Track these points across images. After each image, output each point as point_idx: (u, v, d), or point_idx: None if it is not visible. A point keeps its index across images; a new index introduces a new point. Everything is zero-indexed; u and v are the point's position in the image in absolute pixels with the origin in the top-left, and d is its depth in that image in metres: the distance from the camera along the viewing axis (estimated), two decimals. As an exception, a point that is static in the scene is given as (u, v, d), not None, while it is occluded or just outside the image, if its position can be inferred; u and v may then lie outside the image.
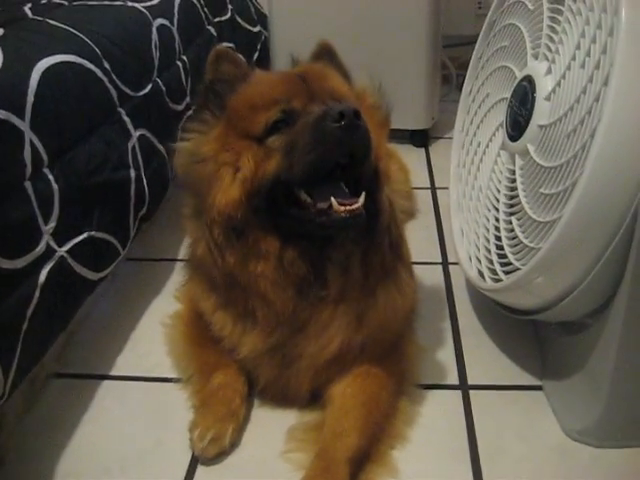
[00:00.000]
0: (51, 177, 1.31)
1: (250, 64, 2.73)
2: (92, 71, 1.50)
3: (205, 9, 2.37)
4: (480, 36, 1.68)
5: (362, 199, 1.16)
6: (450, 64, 3.10)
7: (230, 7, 2.64)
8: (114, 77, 1.60)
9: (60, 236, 1.32)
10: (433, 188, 2.39)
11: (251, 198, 1.19)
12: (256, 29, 2.86)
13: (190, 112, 2.05)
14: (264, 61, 2.85)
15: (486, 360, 1.55)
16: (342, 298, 1.27)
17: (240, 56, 1.31)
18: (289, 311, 1.26)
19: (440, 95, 2.82)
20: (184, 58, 2.09)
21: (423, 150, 2.72)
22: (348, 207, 1.13)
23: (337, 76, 1.31)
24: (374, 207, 1.25)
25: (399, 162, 2.15)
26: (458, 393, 1.46)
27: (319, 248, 1.23)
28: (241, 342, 1.34)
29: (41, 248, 1.26)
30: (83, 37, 1.53)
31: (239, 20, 2.72)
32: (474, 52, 1.71)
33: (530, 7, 1.43)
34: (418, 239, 1.87)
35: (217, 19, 2.51)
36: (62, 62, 1.39)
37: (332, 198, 1.14)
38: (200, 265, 1.34)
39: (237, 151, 1.21)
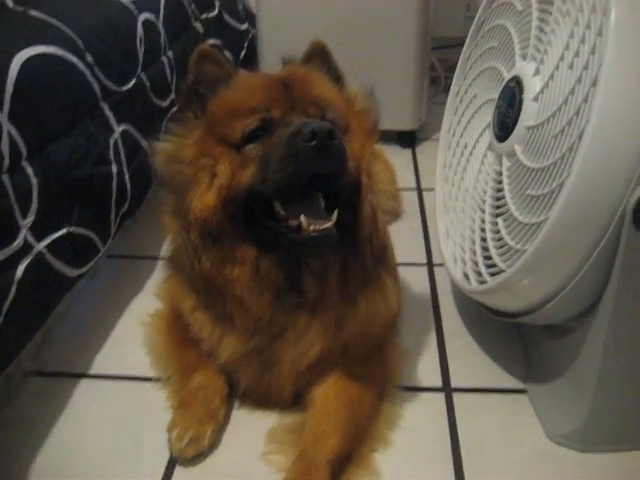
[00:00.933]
0: (30, 171, 1.28)
1: (237, 62, 2.71)
2: (74, 64, 1.48)
3: (192, 5, 2.35)
4: (468, 37, 1.67)
5: (334, 217, 1.14)
6: (438, 66, 3.09)
7: (217, 4, 2.62)
8: (97, 71, 1.58)
9: (39, 231, 1.30)
10: (419, 189, 2.38)
11: (227, 205, 1.17)
12: (243, 27, 2.85)
13: (174, 109, 2.03)
14: (251, 59, 2.83)
15: (470, 363, 1.54)
16: (319, 305, 1.26)
17: (224, 56, 1.28)
18: (266, 317, 1.24)
19: (428, 97, 2.82)
20: (169, 54, 2.07)
21: (410, 151, 2.71)
22: (317, 227, 1.11)
23: (323, 81, 1.28)
24: (354, 219, 1.23)
25: (385, 162, 2.13)
26: (441, 396, 1.45)
27: (296, 257, 1.22)
28: (220, 345, 1.32)
29: (18, 243, 1.23)
30: (65, 29, 1.50)
31: (226, 17, 2.70)
32: (462, 53, 1.70)
33: (519, 8, 1.41)
34: (403, 240, 1.85)
35: (204, 15, 2.49)
36: (43, 53, 1.36)
37: (302, 216, 1.12)
38: (181, 266, 1.32)
39: (215, 157, 1.19)
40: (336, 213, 1.16)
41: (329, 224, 1.13)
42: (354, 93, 1.33)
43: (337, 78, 1.33)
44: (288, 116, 1.17)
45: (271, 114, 1.18)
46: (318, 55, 1.33)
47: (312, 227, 1.11)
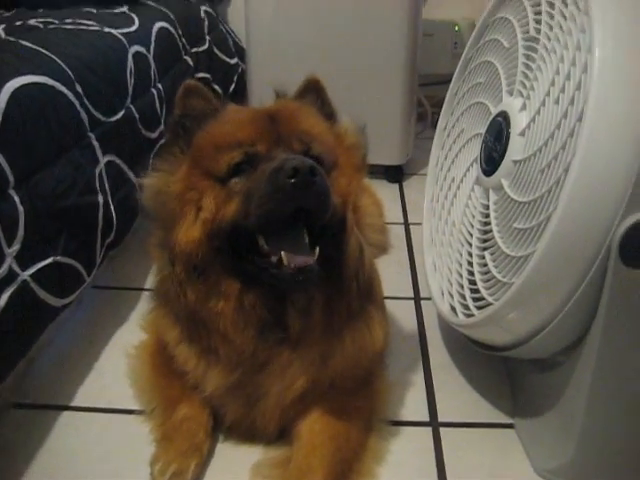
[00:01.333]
0: (17, 199, 1.27)
1: (226, 96, 2.74)
2: (64, 94, 1.48)
3: (183, 39, 2.38)
4: (456, 72, 1.69)
5: (316, 254, 1.14)
6: (426, 102, 3.13)
7: (208, 38, 2.66)
8: (86, 101, 1.58)
9: (24, 260, 1.29)
10: (406, 223, 2.39)
11: (212, 239, 1.17)
12: (233, 61, 2.88)
13: (162, 142, 2.04)
14: (241, 93, 2.86)
15: (457, 397, 1.53)
16: (302, 340, 1.25)
17: (211, 91, 1.28)
18: (250, 350, 1.23)
19: (415, 132, 2.85)
20: (159, 86, 2.08)
21: (397, 186, 2.72)
22: (298, 263, 1.11)
23: (311, 115, 1.28)
24: (340, 255, 1.23)
25: (372, 196, 2.15)
26: (428, 430, 1.43)
27: (280, 292, 1.21)
28: (204, 379, 1.31)
29: (3, 271, 1.22)
30: (56, 59, 1.51)
31: (216, 51, 2.73)
32: (450, 89, 1.72)
33: (505, 45, 1.44)
34: (390, 274, 1.85)
35: (194, 49, 2.52)
36: (33, 83, 1.37)
37: (282, 253, 1.12)
38: (166, 298, 1.31)
39: (200, 190, 1.18)
40: (318, 249, 1.15)
41: (310, 260, 1.12)
42: (345, 128, 1.33)
43: (330, 114, 1.33)
44: (273, 150, 1.17)
45: (256, 148, 1.18)
46: (312, 90, 1.33)
47: (292, 264, 1.11)
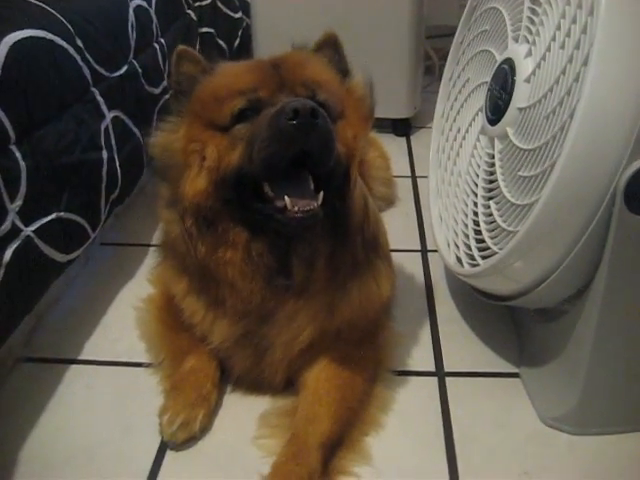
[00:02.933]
0: (18, 155, 1.27)
1: (231, 50, 2.70)
2: (64, 48, 1.46)
3: (185, -8, 2.34)
4: (461, 21, 1.66)
5: (320, 199, 1.13)
6: (433, 54, 3.09)
7: (211, -9, 2.61)
8: (87, 56, 1.56)
9: (27, 215, 1.29)
10: (414, 176, 2.38)
11: (218, 188, 1.17)
12: (237, 15, 2.83)
13: (166, 97, 2.03)
14: (245, 48, 2.82)
15: (463, 347, 1.54)
16: (307, 290, 1.25)
17: (199, 55, 1.28)
18: (257, 300, 1.24)
19: (423, 85, 2.82)
20: (162, 41, 2.06)
21: (404, 139, 2.70)
22: (301, 207, 1.11)
23: (318, 63, 1.27)
24: (344, 207, 1.23)
25: (380, 149, 2.14)
26: (434, 380, 1.44)
27: (286, 241, 1.21)
28: (212, 330, 1.32)
29: (6, 226, 1.22)
30: (55, 13, 1.49)
31: (220, 5, 2.69)
32: (455, 38, 1.69)
33: (512, -10, 1.41)
34: (397, 226, 1.86)
35: (197, 3, 2.48)
36: (32, 37, 1.35)
37: (286, 197, 1.11)
38: (174, 251, 1.32)
39: (203, 141, 1.18)
40: (322, 194, 1.14)
41: (314, 205, 1.11)
42: (355, 83, 1.31)
43: (344, 71, 1.31)
44: (276, 96, 1.16)
45: (258, 94, 1.17)
46: (329, 45, 1.31)
47: (296, 207, 1.11)
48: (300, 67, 1.22)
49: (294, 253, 1.22)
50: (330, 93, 1.22)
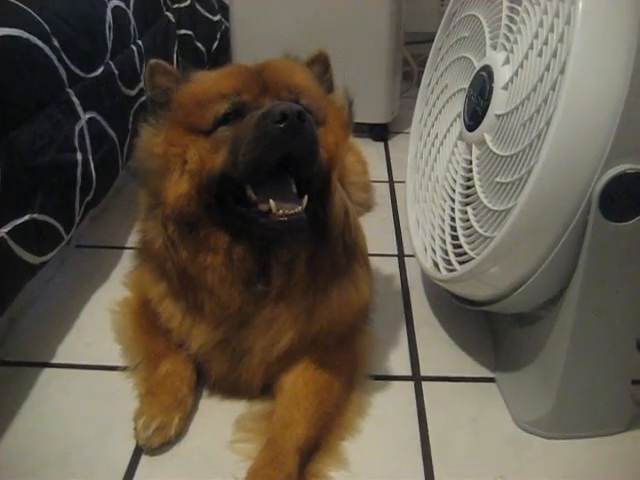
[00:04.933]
0: (-8, 155, 1.25)
1: (209, 53, 2.69)
2: (40, 47, 1.44)
3: (164, -6, 2.32)
4: (440, 27, 1.67)
5: (304, 203, 1.14)
6: (412, 60, 3.10)
7: (190, -6, 2.59)
8: (63, 56, 1.54)
9: (1, 217, 1.27)
10: (391, 181, 2.39)
11: (201, 192, 1.16)
12: (216, 18, 2.82)
13: (142, 99, 2.01)
14: (224, 51, 2.81)
15: (439, 352, 1.54)
16: (286, 295, 1.26)
17: (171, 67, 1.29)
18: (235, 306, 1.24)
19: (401, 91, 2.83)
20: (139, 42, 2.04)
21: (382, 144, 2.71)
22: (286, 211, 1.11)
23: (301, 71, 1.28)
24: (324, 214, 1.23)
25: (357, 154, 2.15)
26: (410, 384, 1.44)
27: (267, 246, 1.21)
28: (190, 336, 1.32)
29: (-20, 228, 1.21)
30: (31, 12, 1.47)
31: (199, 8, 2.67)
32: (434, 43, 1.70)
33: (490, -2, 1.42)
34: (375, 231, 1.85)
35: (176, 5, 2.47)
36: (7, 36, 1.33)
37: (271, 201, 1.11)
38: (152, 256, 1.31)
39: (184, 145, 1.18)
40: (306, 198, 1.15)
41: (298, 208, 1.12)
42: (335, 94, 1.33)
43: (330, 88, 1.33)
44: (260, 100, 1.16)
45: (242, 98, 1.17)
46: (320, 62, 1.33)
47: (281, 211, 1.11)
48: (283, 72, 1.23)
49: (274, 258, 1.22)
50: (313, 99, 1.22)
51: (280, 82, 1.20)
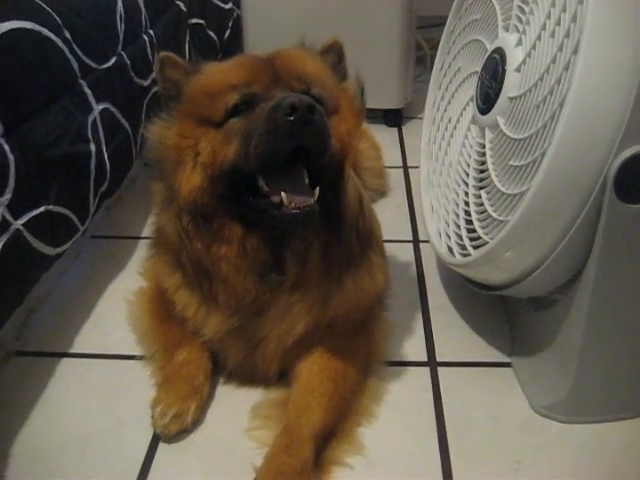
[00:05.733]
0: (7, 147, 1.25)
1: (221, 42, 2.69)
2: (51, 40, 1.44)
3: (174, -17, 2.32)
4: (452, 10, 1.66)
5: (316, 194, 1.14)
6: (425, 45, 3.07)
7: (201, -18, 2.58)
8: (75, 47, 1.54)
9: (16, 208, 1.27)
10: (405, 167, 2.37)
11: (214, 183, 1.16)
12: (228, 6, 2.81)
13: (155, 90, 2.01)
14: (236, 40, 2.80)
15: (455, 337, 1.54)
16: (301, 284, 1.26)
17: (181, 59, 1.28)
18: (250, 296, 1.24)
19: (414, 75, 2.81)
20: (151, 32, 2.04)
21: (396, 130, 2.70)
22: (298, 203, 1.11)
23: (314, 59, 1.26)
24: (337, 203, 1.23)
25: (371, 140, 2.14)
26: (426, 370, 1.44)
27: (280, 237, 1.22)
28: (204, 324, 1.32)
29: (-4, 220, 1.22)
30: (42, 4, 1.47)
31: (210, -4, 2.66)
32: (446, 27, 1.69)
33: (501, -21, 1.40)
34: (389, 217, 1.85)
35: (187, -6, 2.46)
36: (18, 28, 1.33)
37: (282, 193, 1.11)
38: (167, 246, 1.32)
39: (196, 137, 1.18)
40: (318, 190, 1.15)
41: (310, 200, 1.12)
42: (348, 81, 1.32)
43: (343, 76, 1.32)
44: (271, 91, 1.15)
45: (252, 89, 1.16)
46: (334, 51, 1.32)
47: (293, 203, 1.11)
48: (294, 62, 1.22)
49: (288, 248, 1.22)
50: (325, 88, 1.22)
51: (291, 72, 1.19)
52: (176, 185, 1.19)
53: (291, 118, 1.05)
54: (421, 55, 3.08)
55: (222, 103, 1.16)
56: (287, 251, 1.22)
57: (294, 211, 1.11)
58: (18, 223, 1.28)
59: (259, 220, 1.18)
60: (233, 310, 1.28)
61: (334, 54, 1.32)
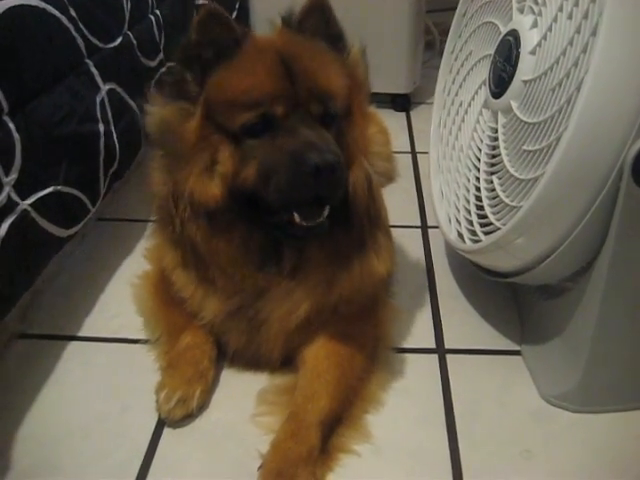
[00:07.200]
0: (12, 126, 1.24)
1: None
2: (57, 17, 1.42)
3: (181, -38, 2.29)
4: (464, -8, 1.63)
5: (326, 212, 1.16)
6: (434, 29, 3.04)
7: (208, -38, 2.55)
8: (81, 26, 1.52)
9: (23, 188, 1.26)
10: (413, 152, 2.35)
11: (232, 197, 1.16)
12: (235, -13, 2.78)
13: (163, 70, 1.99)
14: (244, 20, 2.77)
15: (464, 324, 1.52)
16: (300, 270, 1.26)
17: (232, 19, 1.15)
18: (248, 284, 1.25)
19: (423, 60, 2.79)
20: (157, 12, 2.02)
21: (404, 115, 2.68)
22: (309, 223, 1.14)
23: (328, 65, 1.19)
24: (345, 196, 1.21)
25: (379, 124, 2.11)
26: (435, 357, 1.43)
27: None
28: (202, 306, 1.32)
29: (1, 200, 1.20)
30: (47, -20, 1.45)
31: (217, -23, 2.63)
32: (457, 10, 1.66)
33: (517, -41, 1.37)
34: (398, 203, 1.83)
35: (194, -26, 2.43)
36: (22, 5, 1.30)
37: (295, 214, 1.13)
38: (165, 223, 1.30)
39: (214, 143, 1.14)
40: (328, 209, 1.16)
41: (321, 219, 1.15)
42: (356, 60, 1.27)
43: (338, 36, 1.25)
44: (291, 115, 1.12)
45: (273, 111, 1.12)
46: (317, 12, 1.22)
47: (305, 223, 1.14)
48: (313, 77, 1.15)
49: (286, 245, 1.24)
50: (340, 96, 1.18)
51: (311, 92, 1.14)
52: (182, 178, 1.16)
53: (314, 177, 1.07)
54: (430, 40, 3.04)
55: (241, 117, 1.11)
56: (286, 247, 1.24)
57: (305, 226, 1.14)
58: (25, 203, 1.27)
59: (266, 226, 1.19)
60: (232, 293, 1.28)
61: (317, 15, 1.21)
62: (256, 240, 1.21)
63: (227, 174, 1.14)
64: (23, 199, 1.27)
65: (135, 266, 1.65)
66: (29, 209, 1.28)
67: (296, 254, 1.24)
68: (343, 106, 1.20)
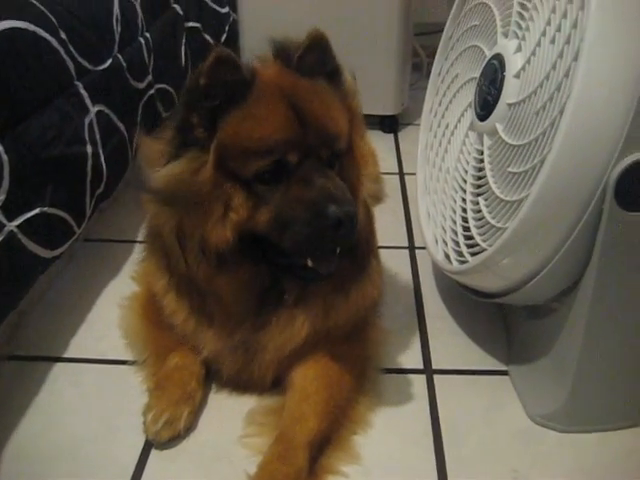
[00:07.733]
0: (1, 148, 1.24)
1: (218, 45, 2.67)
2: (47, 40, 1.43)
3: (171, -14, 2.31)
4: (450, 15, 1.65)
5: (337, 253, 1.17)
6: (421, 51, 3.07)
7: (197, -14, 2.58)
8: (71, 48, 1.54)
9: (10, 210, 1.26)
10: (401, 173, 2.37)
11: (243, 240, 1.15)
12: (224, 10, 2.80)
13: (151, 92, 2.00)
14: (233, 43, 2.79)
15: (451, 344, 1.53)
16: (301, 300, 1.27)
17: (241, 61, 1.12)
18: (250, 319, 1.26)
19: (410, 82, 2.81)
20: (147, 35, 2.03)
21: (392, 136, 2.70)
22: (322, 269, 1.17)
23: (333, 107, 1.19)
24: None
25: (367, 145, 2.12)
26: (422, 378, 1.43)
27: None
28: (197, 337, 1.32)
29: (-12, 222, 1.20)
30: (37, 4, 1.46)
31: (207, 0, 2.66)
32: (444, 33, 1.68)
33: (501, -15, 1.40)
34: (385, 223, 1.83)
35: (183, -3, 2.45)
36: (13, 28, 1.32)
37: (308, 260, 1.16)
38: (158, 248, 1.30)
39: (228, 192, 1.13)
40: (338, 250, 1.18)
41: (334, 264, 1.17)
42: (351, 90, 1.28)
43: (335, 71, 1.24)
44: (302, 163, 1.12)
45: (286, 159, 1.11)
46: (316, 49, 1.20)
47: (318, 269, 1.16)
48: (323, 122, 1.15)
49: (288, 281, 1.25)
50: (343, 139, 1.19)
51: (320, 139, 1.14)
52: (203, 232, 1.14)
53: (336, 229, 1.08)
54: (417, 62, 3.08)
55: (254, 164, 1.10)
56: (288, 282, 1.25)
57: (318, 271, 1.17)
58: (12, 225, 1.27)
59: (274, 267, 1.21)
60: (231, 329, 1.28)
61: (317, 51, 1.20)
62: (261, 279, 1.22)
63: (240, 221, 1.13)
64: (10, 220, 1.27)
65: (122, 287, 1.64)
66: (15, 230, 1.28)
67: (299, 289, 1.26)
68: (345, 147, 1.21)
